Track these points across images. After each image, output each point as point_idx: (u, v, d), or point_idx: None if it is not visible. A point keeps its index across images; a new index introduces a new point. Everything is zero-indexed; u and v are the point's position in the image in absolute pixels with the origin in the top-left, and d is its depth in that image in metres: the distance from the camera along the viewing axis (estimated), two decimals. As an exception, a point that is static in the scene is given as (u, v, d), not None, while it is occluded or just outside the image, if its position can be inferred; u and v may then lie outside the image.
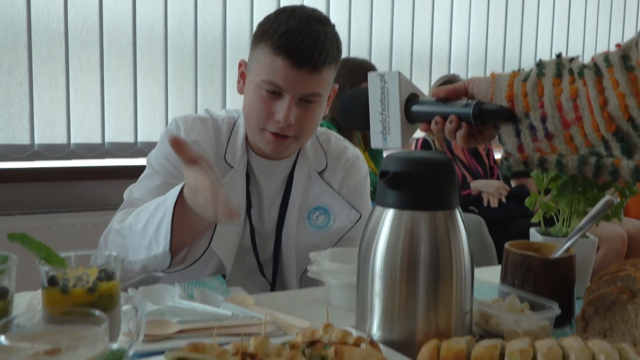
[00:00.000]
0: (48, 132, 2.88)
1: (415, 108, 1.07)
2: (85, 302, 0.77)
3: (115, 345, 0.60)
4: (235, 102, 3.18)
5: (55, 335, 0.70)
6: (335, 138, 1.75)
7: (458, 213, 1.03)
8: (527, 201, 1.39)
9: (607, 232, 3.02)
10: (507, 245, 1.23)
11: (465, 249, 1.02)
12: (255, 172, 1.63)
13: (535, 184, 1.38)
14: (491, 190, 3.37)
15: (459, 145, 3.79)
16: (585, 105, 0.90)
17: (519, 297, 1.14)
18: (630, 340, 1.04)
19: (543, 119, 0.94)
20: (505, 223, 3.29)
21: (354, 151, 1.75)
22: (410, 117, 1.08)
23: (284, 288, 1.67)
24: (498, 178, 3.64)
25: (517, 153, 0.99)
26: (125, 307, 0.84)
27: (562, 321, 1.17)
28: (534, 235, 1.38)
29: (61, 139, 2.90)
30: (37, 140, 2.85)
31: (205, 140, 1.57)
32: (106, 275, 0.79)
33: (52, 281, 0.77)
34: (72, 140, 2.92)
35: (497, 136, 1.03)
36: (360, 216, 1.66)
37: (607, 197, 1.20)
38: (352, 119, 1.17)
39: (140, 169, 1.66)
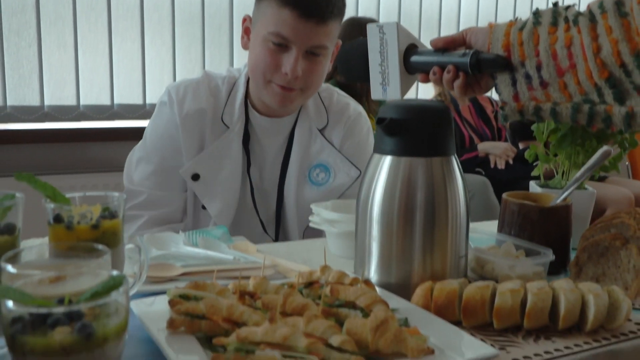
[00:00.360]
0: (58, 94, 2.91)
1: (414, 58, 1.08)
2: (89, 238, 0.80)
3: (115, 272, 0.63)
4: (243, 63, 3.18)
5: (60, 267, 0.74)
6: (338, 94, 1.76)
7: (454, 160, 1.05)
8: (527, 154, 1.41)
9: (615, 194, 3.02)
10: (505, 195, 1.25)
11: (461, 195, 1.04)
12: (257, 130, 1.64)
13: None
14: (498, 152, 3.37)
15: (465, 105, 3.74)
16: (579, 53, 0.91)
17: (515, 245, 1.17)
18: (622, 284, 1.07)
19: (538, 68, 0.95)
20: (512, 185, 3.29)
21: (355, 108, 1.76)
22: (409, 68, 1.09)
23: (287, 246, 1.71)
24: (506, 140, 3.64)
25: (513, 102, 1.00)
26: (129, 246, 0.88)
27: (557, 269, 1.19)
28: (534, 187, 1.40)
29: (70, 101, 2.93)
30: (47, 102, 2.88)
31: (199, 106, 1.60)
32: (109, 214, 0.82)
33: (58, 218, 0.80)
34: (82, 102, 2.95)
35: (493, 86, 1.04)
36: (360, 173, 1.68)
37: (604, 148, 1.21)
38: (351, 70, 1.18)
39: None
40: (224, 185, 1.61)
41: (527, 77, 0.97)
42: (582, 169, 1.22)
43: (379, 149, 1.06)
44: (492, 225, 1.47)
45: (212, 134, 1.60)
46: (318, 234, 1.71)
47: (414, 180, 1.02)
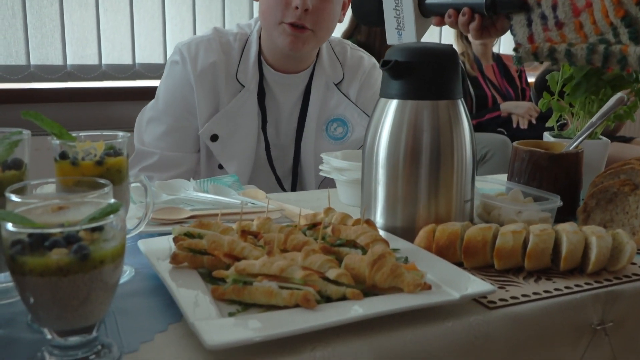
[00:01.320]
0: (80, 53, 2.94)
1: (429, 1, 1.08)
2: (94, 174, 0.82)
3: (113, 200, 0.65)
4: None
5: (63, 198, 0.76)
6: (351, 48, 1.76)
7: (461, 104, 1.05)
8: (540, 103, 1.39)
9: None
10: (515, 143, 1.24)
11: (467, 139, 1.04)
12: (272, 86, 1.64)
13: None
14: (521, 111, 3.32)
15: (489, 65, 3.67)
16: None
17: (523, 192, 1.16)
18: (629, 230, 1.06)
19: (554, 7, 0.94)
20: (535, 144, 3.26)
21: (369, 60, 1.76)
22: (424, 11, 1.09)
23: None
24: (530, 100, 3.58)
25: (528, 44, 0.99)
26: (134, 184, 0.89)
27: (566, 217, 1.18)
28: (547, 138, 1.38)
29: (93, 60, 2.96)
30: (69, 61, 2.92)
31: (212, 59, 1.59)
32: (114, 151, 0.84)
33: (63, 155, 0.83)
34: (104, 61, 2.98)
35: (509, 29, 1.03)
36: None
37: (618, 95, 1.19)
38: (366, 14, 1.18)
39: (140, 91, 1.70)
40: (241, 144, 1.63)
41: (543, 17, 0.96)
42: (596, 116, 1.21)
43: (385, 93, 1.06)
44: (505, 178, 1.46)
45: (227, 92, 1.60)
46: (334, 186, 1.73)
47: (420, 123, 1.02)
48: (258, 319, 0.70)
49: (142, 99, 3.00)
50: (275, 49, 1.60)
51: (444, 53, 1.03)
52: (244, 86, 1.61)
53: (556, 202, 1.09)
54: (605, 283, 0.89)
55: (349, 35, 2.96)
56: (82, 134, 0.87)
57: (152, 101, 1.70)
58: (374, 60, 1.77)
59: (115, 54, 3.00)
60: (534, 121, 3.31)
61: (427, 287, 0.78)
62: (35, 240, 0.59)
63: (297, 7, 1.46)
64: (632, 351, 0.92)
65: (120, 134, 0.86)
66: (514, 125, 3.32)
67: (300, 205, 1.24)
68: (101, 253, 0.60)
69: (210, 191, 1.22)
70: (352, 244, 0.89)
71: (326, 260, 0.78)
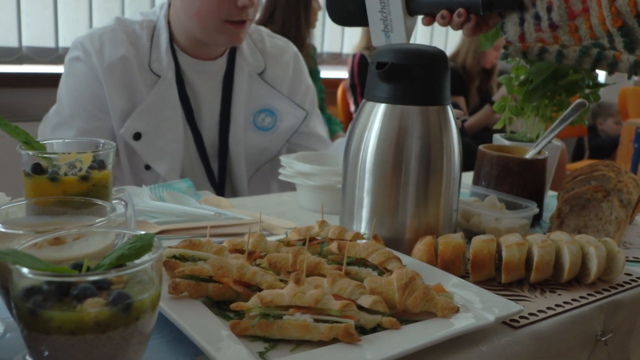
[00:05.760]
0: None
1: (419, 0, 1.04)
2: (78, 191, 0.69)
3: (141, 231, 0.53)
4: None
5: (52, 226, 0.63)
6: (267, 36, 1.69)
7: (449, 110, 1.01)
8: (495, 106, 1.39)
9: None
10: (481, 147, 1.23)
11: (456, 146, 1.00)
12: (188, 74, 1.53)
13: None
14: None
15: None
16: None
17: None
18: (604, 236, 1.08)
19: (549, 9, 0.93)
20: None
21: (290, 48, 1.71)
22: (412, 10, 1.05)
23: (234, 193, 1.64)
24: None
25: (518, 42, 0.98)
26: (114, 201, 0.77)
27: (533, 221, 1.19)
28: (498, 140, 1.39)
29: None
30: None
31: (121, 54, 1.45)
32: (98, 163, 0.71)
33: (38, 168, 0.68)
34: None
35: (500, 24, 1.02)
36: (307, 113, 1.65)
37: (579, 100, 1.21)
38: (346, 16, 1.12)
39: None
40: (167, 139, 1.50)
41: (537, 17, 0.95)
42: (557, 121, 1.22)
43: (372, 96, 0.99)
44: (465, 177, 1.46)
45: (143, 85, 1.47)
46: (265, 182, 1.66)
47: (410, 129, 0.97)
48: (301, 359, 0.62)
49: (31, 85, 2.74)
50: (190, 37, 1.49)
51: (436, 56, 0.98)
52: (159, 76, 1.49)
53: (533, 209, 1.09)
54: (606, 294, 0.89)
55: (262, 24, 2.85)
56: (52, 141, 0.73)
57: (55, 106, 1.51)
58: (294, 47, 1.73)
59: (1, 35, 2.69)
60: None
61: (456, 309, 0.73)
62: (60, 289, 0.47)
63: (244, 7, 1.38)
64: (624, 359, 0.94)
65: (102, 141, 0.73)
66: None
67: (264, 211, 1.15)
68: (142, 301, 0.49)
69: (167, 199, 1.09)
70: (362, 263, 0.82)
71: (356, 286, 0.70)
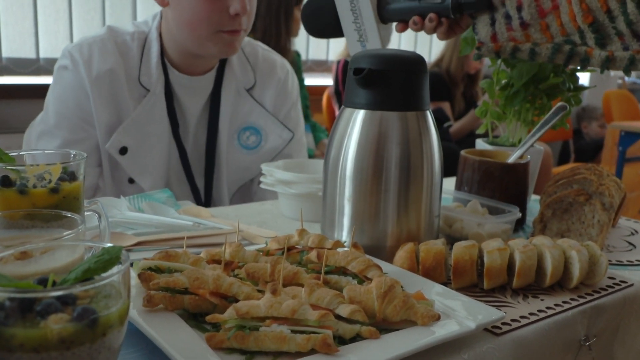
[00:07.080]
0: None
1: (392, 7, 1.04)
2: (48, 204, 0.67)
3: (108, 244, 0.52)
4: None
5: (20, 240, 0.61)
6: (262, 50, 1.67)
7: (429, 115, 1.00)
8: (477, 110, 1.39)
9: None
10: (463, 152, 1.22)
11: (436, 151, 1.00)
12: (176, 89, 1.51)
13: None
14: None
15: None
16: None
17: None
18: (586, 239, 1.07)
19: (519, 8, 0.93)
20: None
21: (284, 65, 1.67)
22: (384, 18, 1.05)
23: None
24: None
25: (490, 43, 0.98)
26: (87, 213, 0.75)
27: (516, 225, 1.19)
28: (481, 145, 1.38)
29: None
30: None
31: (110, 66, 1.43)
32: (68, 175, 0.70)
33: (6, 181, 0.67)
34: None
35: (472, 26, 1.02)
36: (293, 135, 1.62)
37: (560, 103, 1.21)
38: (320, 29, 1.12)
39: (45, 89, 1.52)
40: (153, 154, 1.48)
41: (507, 17, 0.95)
42: (539, 124, 1.21)
43: (351, 103, 0.99)
44: (446, 183, 1.46)
45: (131, 98, 1.45)
46: (246, 199, 1.64)
47: (390, 135, 0.96)
48: (278, 372, 0.60)
49: (10, 97, 2.71)
50: (181, 50, 1.47)
51: (414, 61, 0.97)
52: (148, 90, 1.46)
53: (516, 214, 1.09)
54: (589, 298, 0.88)
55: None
56: (22, 152, 0.71)
57: (41, 114, 1.49)
58: (288, 65, 1.69)
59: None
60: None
61: (437, 317, 0.72)
62: (23, 305, 0.45)
63: (237, 14, 1.36)
64: (608, 363, 0.93)
65: (73, 152, 0.72)
66: None
67: (245, 220, 1.14)
68: (109, 316, 0.48)
69: (146, 210, 1.08)
70: (342, 271, 0.81)
71: (335, 295, 0.69)
